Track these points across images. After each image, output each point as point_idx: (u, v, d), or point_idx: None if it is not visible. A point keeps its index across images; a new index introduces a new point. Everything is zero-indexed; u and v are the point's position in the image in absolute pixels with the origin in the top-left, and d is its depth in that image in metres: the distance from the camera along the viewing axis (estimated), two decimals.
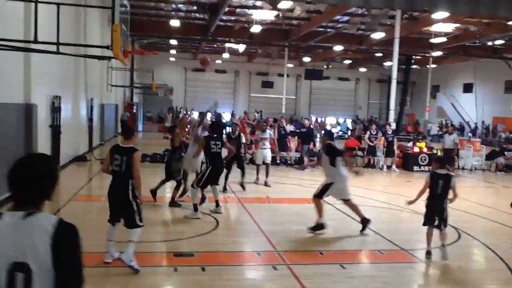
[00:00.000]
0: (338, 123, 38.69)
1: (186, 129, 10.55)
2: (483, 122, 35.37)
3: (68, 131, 14.26)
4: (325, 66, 38.36)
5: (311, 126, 18.95)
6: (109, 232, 6.18)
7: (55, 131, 12.75)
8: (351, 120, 41.67)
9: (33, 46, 9.22)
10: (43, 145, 11.46)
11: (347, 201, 8.33)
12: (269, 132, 13.65)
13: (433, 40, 24.63)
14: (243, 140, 12.01)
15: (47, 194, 2.09)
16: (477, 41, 27.40)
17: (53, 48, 9.23)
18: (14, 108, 9.68)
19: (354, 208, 8.32)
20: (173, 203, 9.47)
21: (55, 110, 12.69)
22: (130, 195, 5.90)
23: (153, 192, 9.69)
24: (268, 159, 12.91)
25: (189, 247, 6.97)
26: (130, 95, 32.36)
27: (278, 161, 16.51)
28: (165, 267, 6.26)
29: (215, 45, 34.10)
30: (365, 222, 8.20)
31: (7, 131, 9.25)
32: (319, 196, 8.12)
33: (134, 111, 30.88)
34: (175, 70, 40.27)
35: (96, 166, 14.98)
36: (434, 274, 6.61)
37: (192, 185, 8.89)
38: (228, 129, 21.17)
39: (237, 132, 12.04)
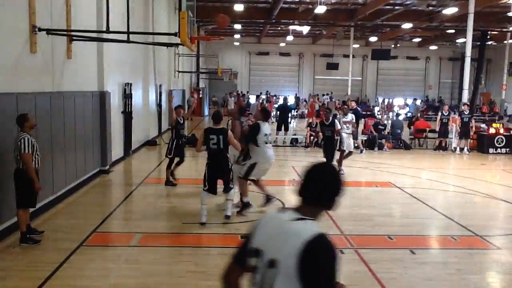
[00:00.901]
0: (406, 104, 37.38)
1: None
2: None
3: (139, 116, 14.82)
4: (393, 46, 37.02)
5: (358, 108, 17.96)
6: (204, 198, 7.17)
7: (127, 116, 13.29)
8: (420, 101, 40.10)
9: (105, 36, 9.63)
10: (116, 130, 12.01)
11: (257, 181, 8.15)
12: (351, 116, 12.50)
13: (511, 14, 22.98)
14: (338, 127, 11.01)
15: (329, 205, 2.10)
16: None
17: (124, 37, 9.59)
18: (90, 96, 10.18)
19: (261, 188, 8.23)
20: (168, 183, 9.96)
21: (127, 96, 13.22)
22: (229, 165, 7.25)
23: (170, 177, 10.10)
24: (346, 146, 11.70)
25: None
26: (196, 80, 33.00)
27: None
28: (232, 248, 6.37)
29: (278, 28, 33.84)
30: (268, 200, 8.06)
31: (84, 117, 9.77)
32: (244, 177, 7.89)
33: (200, 95, 31.49)
34: (239, 55, 40.53)
35: (165, 151, 15.46)
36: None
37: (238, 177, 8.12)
38: (294, 112, 20.91)
39: (330, 118, 11.05)
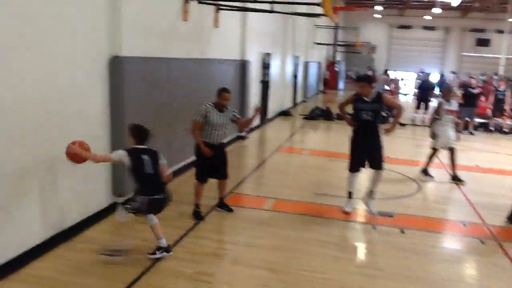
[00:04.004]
0: None
1: None
2: None
3: (275, 86, 15.14)
4: None
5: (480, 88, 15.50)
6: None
7: (264, 86, 13.67)
8: None
9: (250, 5, 9.90)
10: (253, 98, 12.43)
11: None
12: (455, 104, 8.93)
13: None
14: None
15: None
16: None
17: (266, 7, 9.78)
18: (232, 64, 10.64)
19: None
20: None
21: (265, 66, 13.57)
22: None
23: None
24: (452, 142, 8.68)
25: (389, 207, 6.86)
26: (333, 53, 32.56)
27: (491, 128, 14.95)
28: (364, 224, 6.32)
29: (424, 0, 31.74)
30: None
31: (227, 85, 10.24)
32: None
33: (336, 69, 31.07)
34: (379, 28, 38.87)
35: (298, 122, 15.71)
36: None
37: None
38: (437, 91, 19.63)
39: None
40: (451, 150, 8.52)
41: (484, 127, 15.26)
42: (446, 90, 9.06)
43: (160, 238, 4.76)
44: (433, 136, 8.63)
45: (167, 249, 4.79)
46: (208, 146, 5.86)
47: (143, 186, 4.64)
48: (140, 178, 4.64)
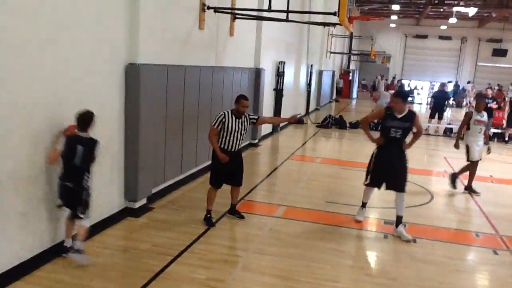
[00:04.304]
0: None
1: None
2: None
3: (289, 94, 15.15)
4: None
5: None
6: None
7: (278, 94, 13.72)
8: None
9: (265, 14, 9.96)
10: (267, 106, 12.47)
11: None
12: (486, 115, 8.62)
13: None
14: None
15: None
16: None
17: (281, 15, 9.83)
18: (247, 72, 10.70)
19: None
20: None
21: (279, 74, 13.62)
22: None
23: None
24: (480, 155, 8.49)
25: None
26: (347, 62, 32.53)
27: (506, 138, 14.79)
28: (375, 232, 6.30)
29: (441, 9, 31.57)
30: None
31: (240, 92, 10.30)
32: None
33: (350, 78, 31.02)
34: (395, 37, 38.77)
35: (311, 130, 15.70)
36: None
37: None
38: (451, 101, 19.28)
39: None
40: (476, 162, 8.40)
41: (498, 137, 15.11)
42: (479, 102, 8.73)
43: (70, 239, 4.78)
44: (457, 145, 8.47)
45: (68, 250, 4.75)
46: (225, 152, 5.90)
47: (64, 172, 4.61)
48: (66, 166, 4.61)
